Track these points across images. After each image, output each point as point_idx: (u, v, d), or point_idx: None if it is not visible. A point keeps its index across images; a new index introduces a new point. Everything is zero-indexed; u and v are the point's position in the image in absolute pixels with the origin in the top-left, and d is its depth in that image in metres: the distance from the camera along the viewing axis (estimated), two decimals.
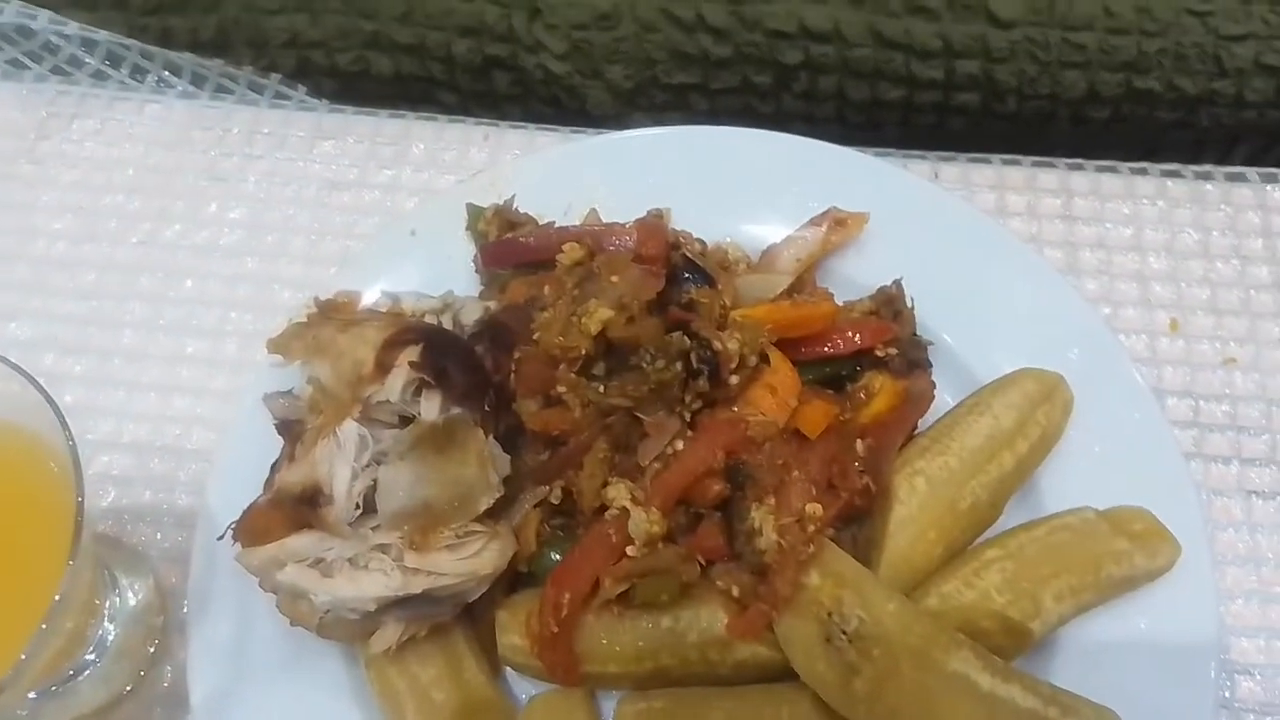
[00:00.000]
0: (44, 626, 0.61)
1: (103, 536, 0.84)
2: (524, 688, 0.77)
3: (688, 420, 0.73)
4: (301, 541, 0.66)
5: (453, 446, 0.68)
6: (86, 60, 1.10)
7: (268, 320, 0.91)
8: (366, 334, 0.72)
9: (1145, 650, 0.74)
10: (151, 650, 0.81)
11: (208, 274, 0.96)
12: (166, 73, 1.11)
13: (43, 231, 0.98)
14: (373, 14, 1.23)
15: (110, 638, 0.78)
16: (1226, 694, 0.77)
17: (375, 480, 0.68)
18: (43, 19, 1.09)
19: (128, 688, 0.80)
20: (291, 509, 0.66)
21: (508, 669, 0.76)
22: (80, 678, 0.78)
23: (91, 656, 0.77)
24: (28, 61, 1.10)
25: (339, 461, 0.67)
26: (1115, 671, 0.73)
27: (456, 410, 0.69)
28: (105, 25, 1.09)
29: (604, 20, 1.23)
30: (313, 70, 1.24)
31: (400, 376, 0.68)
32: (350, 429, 0.68)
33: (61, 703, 0.78)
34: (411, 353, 0.69)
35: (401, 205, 0.99)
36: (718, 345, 0.71)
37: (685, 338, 0.72)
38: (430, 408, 0.69)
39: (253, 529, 0.67)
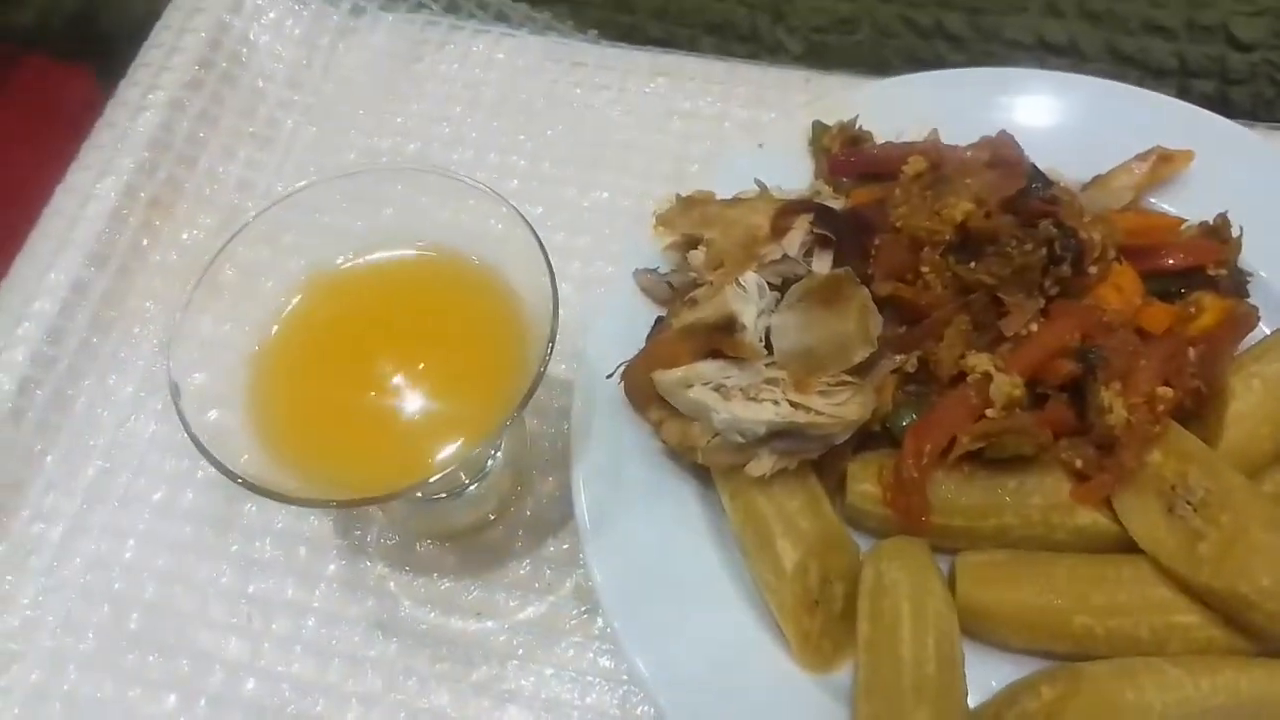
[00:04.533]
0: (508, 422, 0.72)
1: None
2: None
3: (1042, 307, 0.81)
4: (708, 367, 0.76)
5: (839, 300, 0.77)
6: (431, 5, 1.25)
7: (616, 220, 1.04)
8: (758, 205, 0.82)
9: None
10: (519, 488, 0.92)
11: (561, 180, 1.08)
12: (496, 21, 1.25)
13: (417, 135, 1.12)
14: (632, 7, 1.31)
15: (491, 466, 0.89)
16: None
17: (769, 325, 0.77)
18: None
19: (492, 516, 0.91)
20: (704, 338, 0.76)
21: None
22: (457, 499, 0.89)
23: (480, 477, 0.88)
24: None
25: (745, 302, 0.76)
26: None
27: (844, 269, 0.78)
28: None
29: (844, 24, 1.29)
30: None
31: (798, 235, 0.78)
32: (752, 278, 0.77)
33: (437, 514, 0.90)
34: (807, 217, 0.78)
35: (729, 135, 1.09)
36: (1083, 235, 0.79)
37: (1052, 227, 0.79)
38: (822, 264, 0.78)
39: (661, 355, 0.77)
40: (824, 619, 0.77)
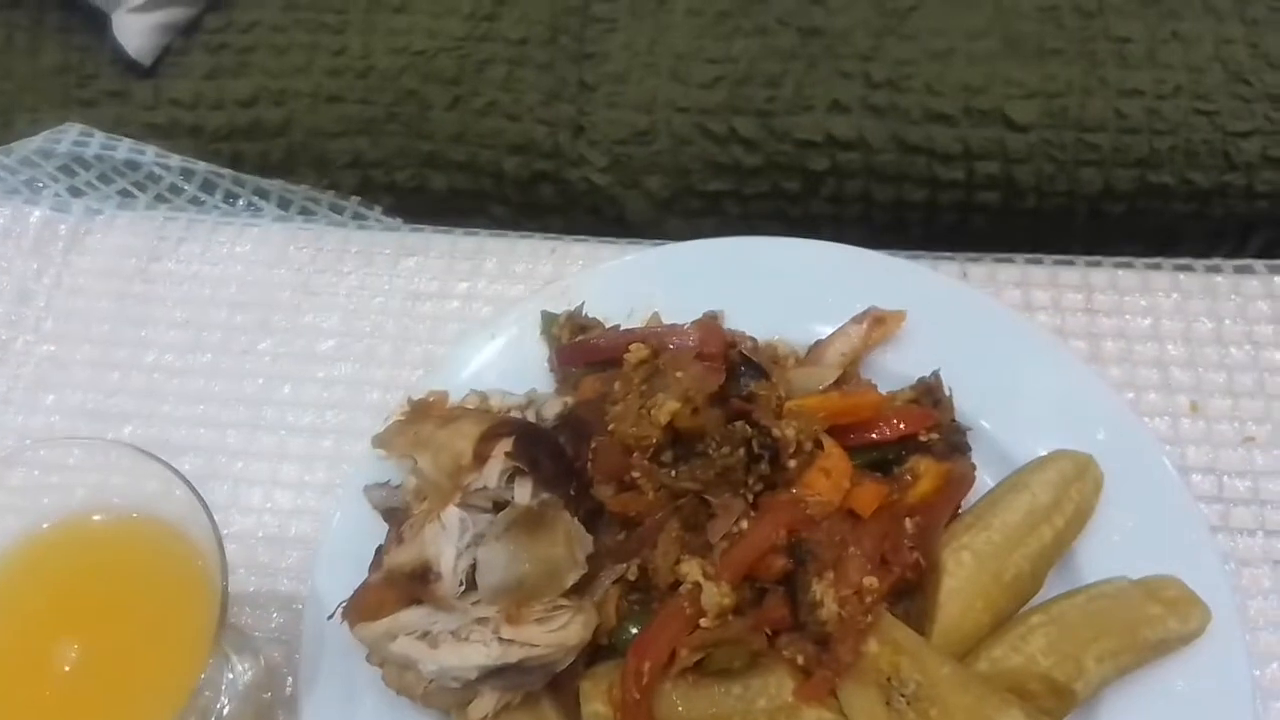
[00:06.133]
0: (189, 702, 0.69)
1: None
2: None
3: (750, 501, 0.81)
4: (412, 616, 0.74)
5: (543, 528, 0.76)
6: (185, 188, 1.23)
7: (361, 419, 1.01)
8: (464, 428, 0.80)
9: (1182, 712, 0.79)
10: None
11: (304, 378, 1.05)
12: (256, 197, 1.23)
13: (154, 344, 1.08)
14: (429, 135, 1.35)
15: (225, 712, 0.85)
16: None
17: (475, 560, 0.76)
18: (150, 153, 1.23)
19: None
20: (404, 586, 0.74)
21: None
22: None
23: None
24: (135, 190, 1.22)
25: (445, 542, 0.75)
26: None
27: (546, 495, 0.77)
28: (181, 151, 1.22)
29: (642, 136, 1.34)
30: (372, 187, 1.36)
31: (496, 465, 0.77)
32: (453, 513, 0.76)
33: None
34: (505, 444, 0.77)
35: (478, 313, 1.08)
36: (777, 433, 0.79)
37: (747, 427, 0.80)
38: (523, 493, 0.77)
39: (366, 605, 0.75)
40: None
